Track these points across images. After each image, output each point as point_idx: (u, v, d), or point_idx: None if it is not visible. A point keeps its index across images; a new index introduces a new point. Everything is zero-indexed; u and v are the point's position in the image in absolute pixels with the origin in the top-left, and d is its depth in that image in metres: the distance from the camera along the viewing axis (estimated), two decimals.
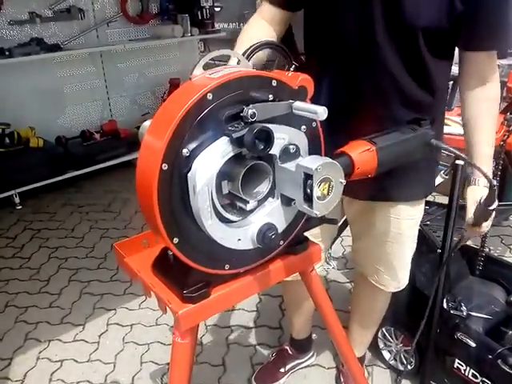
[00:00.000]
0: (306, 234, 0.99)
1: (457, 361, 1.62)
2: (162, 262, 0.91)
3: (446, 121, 1.48)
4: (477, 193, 1.22)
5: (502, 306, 1.76)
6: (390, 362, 1.95)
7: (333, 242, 1.70)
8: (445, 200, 1.65)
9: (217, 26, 4.86)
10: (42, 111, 3.89)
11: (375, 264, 1.52)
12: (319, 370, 2.00)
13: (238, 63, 0.82)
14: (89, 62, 4.13)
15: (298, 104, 0.78)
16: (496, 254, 2.67)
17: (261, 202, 0.84)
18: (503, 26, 1.13)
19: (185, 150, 0.71)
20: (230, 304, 0.96)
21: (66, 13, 3.80)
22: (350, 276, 2.55)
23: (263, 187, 0.82)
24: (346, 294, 2.42)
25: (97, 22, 4.04)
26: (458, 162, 1.59)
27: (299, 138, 0.82)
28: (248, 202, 0.80)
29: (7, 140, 3.53)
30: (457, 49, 1.20)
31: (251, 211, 0.83)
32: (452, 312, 1.64)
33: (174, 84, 4.30)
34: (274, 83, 0.79)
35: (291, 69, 0.97)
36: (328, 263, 2.59)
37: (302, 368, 2.00)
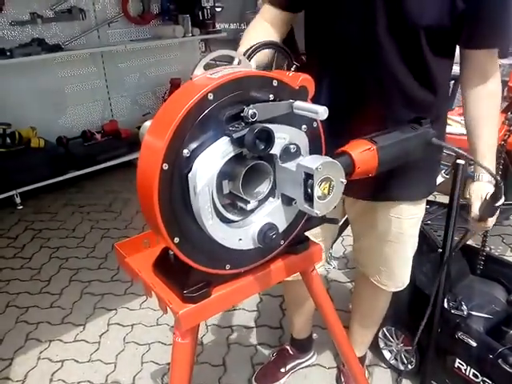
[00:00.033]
0: (306, 233, 0.99)
1: (458, 360, 1.62)
2: (163, 262, 0.91)
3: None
4: (481, 188, 1.22)
5: (502, 305, 1.76)
6: (391, 362, 1.95)
7: (334, 242, 1.70)
8: (445, 199, 1.65)
9: (218, 26, 4.86)
10: (43, 111, 3.89)
11: (377, 264, 1.52)
12: (320, 370, 2.00)
13: (238, 63, 0.82)
14: (90, 62, 4.13)
15: (298, 104, 0.78)
16: (497, 254, 2.67)
17: (261, 202, 0.84)
18: (504, 24, 1.13)
19: (185, 151, 0.71)
20: (231, 304, 0.96)
21: (67, 13, 3.81)
22: (351, 276, 2.55)
23: (264, 187, 0.82)
24: (347, 294, 2.42)
25: (98, 23, 4.05)
26: (458, 161, 1.59)
27: (300, 137, 0.82)
28: (249, 202, 0.80)
29: (8, 140, 3.54)
30: (458, 47, 1.20)
31: (252, 211, 0.83)
32: (453, 311, 1.64)
33: (175, 84, 4.30)
34: (275, 83, 0.79)
35: (292, 69, 0.97)
36: (329, 263, 2.59)
37: (302, 368, 2.00)
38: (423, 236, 1.57)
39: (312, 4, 1.23)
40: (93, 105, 4.28)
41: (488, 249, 2.02)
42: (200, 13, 4.35)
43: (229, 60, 0.82)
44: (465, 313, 1.64)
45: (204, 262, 0.81)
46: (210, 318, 1.82)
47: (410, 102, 1.20)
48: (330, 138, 0.90)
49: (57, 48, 3.65)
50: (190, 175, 0.72)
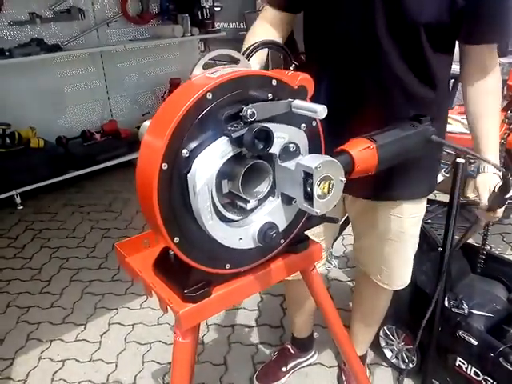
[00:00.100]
0: (308, 233, 0.99)
1: (459, 359, 1.62)
2: (163, 262, 0.91)
3: None
4: (487, 179, 1.22)
5: (503, 303, 1.76)
6: (392, 361, 1.94)
7: (334, 241, 1.70)
8: (446, 198, 1.65)
9: (217, 25, 4.86)
10: (42, 111, 3.89)
11: (378, 263, 1.52)
12: (321, 369, 2.00)
13: (237, 63, 0.82)
14: (89, 62, 4.13)
15: (297, 103, 0.78)
16: (497, 252, 2.67)
17: (261, 201, 0.84)
18: (504, 19, 1.13)
19: (184, 151, 0.71)
20: (231, 303, 0.96)
21: (66, 13, 3.80)
22: (351, 275, 2.56)
23: (263, 186, 0.82)
24: (348, 293, 2.42)
25: (97, 23, 4.04)
26: (458, 160, 1.59)
27: (299, 136, 0.82)
28: (248, 202, 0.80)
29: (8, 140, 3.54)
30: (457, 44, 1.21)
31: (252, 210, 0.83)
32: (453, 310, 1.64)
33: (175, 84, 4.30)
34: (274, 82, 0.79)
35: (291, 68, 0.97)
36: (329, 262, 2.59)
37: (303, 367, 2.00)
38: (423, 235, 1.57)
39: (311, 4, 1.23)
40: (92, 105, 4.27)
41: (488, 247, 2.02)
42: (199, 12, 4.35)
43: (228, 59, 0.82)
44: (465, 311, 1.63)
45: (204, 261, 0.81)
46: (210, 317, 1.82)
47: (411, 99, 1.20)
48: (330, 137, 0.90)
49: (56, 48, 3.65)
50: (189, 175, 0.72)
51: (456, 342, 1.60)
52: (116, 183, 3.96)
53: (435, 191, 1.50)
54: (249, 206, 0.81)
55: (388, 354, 1.96)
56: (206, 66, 0.79)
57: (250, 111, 0.72)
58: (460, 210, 1.52)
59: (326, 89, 1.15)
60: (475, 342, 1.55)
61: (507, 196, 1.14)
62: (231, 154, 0.74)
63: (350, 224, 1.60)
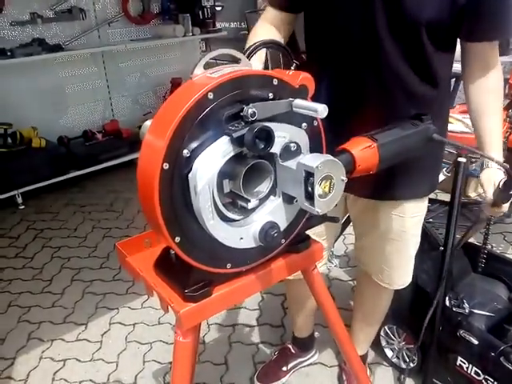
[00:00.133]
0: (310, 233, 0.99)
1: (459, 358, 1.62)
2: (164, 262, 0.91)
3: None
4: (491, 174, 1.22)
5: (504, 303, 1.75)
6: (393, 360, 1.94)
7: (335, 240, 1.70)
8: (447, 197, 1.65)
9: (218, 25, 4.86)
10: (44, 111, 3.90)
11: (379, 262, 1.51)
12: (321, 369, 2.00)
13: (238, 62, 0.82)
14: (90, 62, 4.14)
15: (297, 102, 0.78)
16: (498, 251, 2.66)
17: (262, 201, 0.84)
18: (505, 16, 1.13)
19: (185, 151, 0.71)
20: (232, 303, 0.96)
21: (68, 13, 3.81)
22: (353, 274, 2.55)
23: (264, 186, 0.82)
24: (349, 292, 2.42)
25: (98, 23, 4.05)
26: (460, 159, 1.59)
27: (300, 135, 0.82)
28: (249, 201, 0.80)
29: (9, 140, 3.54)
30: (458, 42, 1.21)
31: (253, 210, 0.83)
32: (454, 310, 1.64)
33: (176, 83, 4.30)
34: (275, 82, 0.79)
35: (292, 67, 0.97)
36: (330, 261, 2.59)
37: (304, 366, 2.00)
38: (425, 234, 1.57)
39: (311, 5, 1.23)
40: (94, 104, 4.28)
41: (489, 247, 2.02)
42: (200, 12, 4.35)
43: (229, 59, 0.82)
44: (466, 311, 1.63)
45: (205, 260, 0.81)
46: (211, 316, 1.82)
47: (412, 98, 1.20)
48: (331, 137, 0.90)
49: (57, 48, 3.66)
50: (190, 175, 0.72)
51: (457, 342, 1.60)
52: (117, 183, 3.97)
53: (436, 190, 1.50)
54: (250, 206, 0.81)
55: (389, 353, 1.96)
56: (207, 66, 0.79)
57: (250, 111, 0.72)
58: (461, 209, 1.52)
59: (327, 88, 1.15)
60: (476, 342, 1.55)
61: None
62: (232, 154, 0.74)
63: (351, 223, 1.60)
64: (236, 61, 0.82)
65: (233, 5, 6.05)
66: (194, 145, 0.72)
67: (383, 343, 1.96)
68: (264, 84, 0.77)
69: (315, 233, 1.04)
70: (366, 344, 1.86)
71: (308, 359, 2.00)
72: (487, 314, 1.69)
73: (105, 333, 2.28)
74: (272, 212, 0.84)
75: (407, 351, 1.86)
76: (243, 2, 6.17)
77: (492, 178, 1.21)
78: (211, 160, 0.72)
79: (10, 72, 3.57)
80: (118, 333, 2.27)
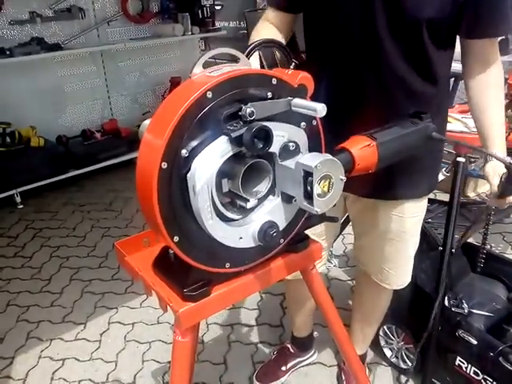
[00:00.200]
0: (309, 233, 0.99)
1: (458, 358, 1.62)
2: (163, 261, 0.91)
3: None
4: (495, 166, 1.22)
5: (503, 303, 1.76)
6: (392, 360, 1.94)
7: (334, 240, 1.70)
8: (446, 197, 1.65)
9: (217, 24, 4.86)
10: (42, 110, 3.90)
11: (378, 262, 1.51)
12: (320, 368, 2.00)
13: (237, 62, 0.82)
14: (89, 61, 4.13)
15: (296, 101, 0.78)
16: (497, 251, 2.67)
17: (261, 200, 0.83)
18: (505, 13, 1.13)
19: (183, 151, 0.71)
20: (231, 302, 0.95)
21: (67, 12, 3.81)
22: (352, 274, 2.55)
23: (263, 185, 0.82)
24: (348, 292, 2.42)
25: (97, 22, 4.04)
26: (459, 159, 1.59)
27: (299, 135, 0.81)
28: (248, 201, 0.80)
29: (8, 139, 3.54)
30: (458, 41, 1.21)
31: (252, 209, 0.83)
32: (453, 310, 1.64)
33: (175, 83, 4.31)
34: (274, 81, 0.78)
35: (291, 67, 0.97)
36: (329, 261, 2.59)
37: (303, 366, 2.00)
38: (424, 234, 1.57)
39: (311, 5, 1.23)
40: (92, 104, 4.28)
41: (488, 247, 2.02)
42: (199, 11, 4.35)
43: (228, 58, 0.82)
44: (465, 311, 1.63)
45: (204, 260, 0.81)
46: (210, 316, 1.82)
47: (412, 97, 1.20)
48: (330, 137, 0.90)
49: (56, 47, 3.66)
50: (188, 175, 0.72)
51: (456, 342, 1.60)
52: (116, 182, 3.96)
53: (435, 190, 1.50)
54: (249, 205, 0.81)
55: (388, 353, 1.96)
56: (206, 65, 0.79)
57: (249, 110, 0.72)
58: (460, 209, 1.52)
59: (327, 88, 1.14)
60: (475, 342, 1.55)
61: None
62: (231, 154, 0.74)
63: (351, 223, 1.60)
64: (235, 60, 0.82)
65: (232, 4, 6.05)
66: (192, 144, 0.71)
67: (382, 343, 1.96)
68: (263, 83, 0.77)
69: (315, 233, 1.04)
70: (365, 344, 1.86)
71: (307, 359, 2.00)
72: (486, 314, 1.69)
73: (104, 332, 2.28)
74: (271, 211, 0.84)
75: (406, 351, 1.86)
76: (243, 1, 6.18)
77: (496, 169, 1.21)
78: (210, 160, 0.72)
79: (8, 71, 3.57)
80: (117, 332, 2.27)
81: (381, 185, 1.29)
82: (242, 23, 6.26)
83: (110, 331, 2.28)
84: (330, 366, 2.00)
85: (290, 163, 0.78)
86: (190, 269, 0.81)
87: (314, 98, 0.83)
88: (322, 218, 0.98)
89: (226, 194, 0.78)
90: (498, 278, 1.86)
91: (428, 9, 1.08)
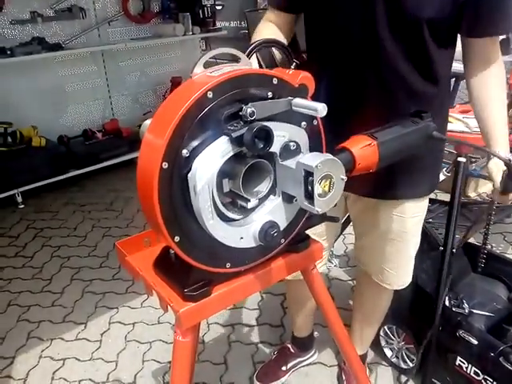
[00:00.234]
0: (310, 233, 0.99)
1: (459, 358, 1.62)
2: (164, 261, 0.91)
3: None
4: (498, 163, 1.22)
5: (504, 303, 1.76)
6: (392, 360, 1.94)
7: (335, 240, 1.70)
8: (447, 197, 1.65)
9: (218, 24, 4.86)
10: (43, 110, 3.90)
11: (379, 262, 1.51)
12: (321, 368, 2.00)
13: (238, 61, 0.82)
14: (90, 61, 4.13)
15: (297, 101, 0.78)
16: (498, 251, 2.66)
17: (262, 200, 0.83)
18: (505, 12, 1.13)
19: (184, 151, 0.71)
20: (232, 302, 0.95)
21: (68, 12, 3.81)
22: (352, 274, 2.55)
23: (264, 185, 0.82)
24: (348, 292, 2.42)
25: (98, 21, 4.05)
26: (459, 159, 1.59)
27: (299, 135, 0.81)
28: (249, 201, 0.80)
29: (9, 139, 3.54)
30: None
31: (253, 209, 0.83)
32: (454, 310, 1.64)
33: (176, 83, 4.31)
34: (275, 81, 0.78)
35: (292, 67, 0.97)
36: (330, 261, 2.59)
37: (303, 366, 2.00)
38: (424, 234, 1.57)
39: (311, 5, 1.23)
40: (94, 103, 4.28)
41: (489, 247, 2.02)
42: (200, 11, 4.35)
43: (229, 58, 0.82)
44: (466, 311, 1.63)
45: (204, 260, 0.81)
46: (210, 316, 1.82)
47: (413, 96, 1.20)
48: (331, 137, 0.89)
49: (57, 47, 3.66)
50: (189, 175, 0.72)
51: (456, 342, 1.60)
52: (117, 182, 3.97)
53: (436, 190, 1.50)
54: (250, 205, 0.81)
55: (388, 353, 1.96)
56: (206, 65, 0.79)
57: (249, 110, 0.72)
58: (461, 209, 1.52)
59: (327, 88, 1.14)
60: (475, 342, 1.55)
61: None
62: (231, 154, 0.74)
63: (351, 223, 1.60)
64: (236, 60, 0.82)
65: (233, 4, 6.05)
66: (193, 144, 0.71)
67: (383, 343, 1.96)
68: (264, 83, 0.77)
69: (315, 233, 1.04)
70: (365, 344, 1.86)
71: (307, 359, 2.00)
72: (487, 314, 1.69)
73: (104, 332, 2.28)
74: (272, 211, 0.84)
75: (406, 351, 1.86)
76: (243, 1, 6.17)
77: (500, 166, 1.21)
78: (210, 160, 0.72)
79: (9, 71, 3.57)
80: (118, 332, 2.27)
81: (382, 184, 1.29)
82: (242, 23, 6.26)
83: (110, 331, 2.28)
84: (330, 366, 2.00)
85: (290, 163, 0.78)
86: (190, 269, 0.81)
87: (314, 98, 0.83)
88: (323, 217, 0.98)
89: (227, 193, 0.78)
90: (498, 278, 1.86)
91: (428, 9, 1.08)
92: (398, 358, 1.92)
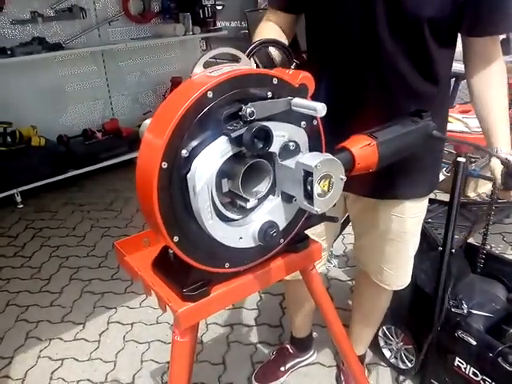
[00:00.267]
0: (309, 233, 0.99)
1: (457, 359, 1.62)
2: (163, 261, 0.91)
3: None
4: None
5: (503, 303, 1.75)
6: (391, 361, 1.94)
7: (334, 240, 1.70)
8: (446, 197, 1.65)
9: (218, 24, 4.87)
10: (43, 110, 3.90)
11: (379, 263, 1.51)
12: (320, 369, 2.00)
13: (238, 61, 0.82)
14: (90, 60, 4.13)
15: (296, 101, 0.78)
16: (497, 252, 2.67)
17: (261, 200, 0.83)
18: (505, 10, 1.13)
19: (184, 151, 0.71)
20: (230, 302, 0.95)
21: (68, 12, 3.81)
22: (351, 274, 2.55)
23: (263, 185, 0.82)
24: (347, 292, 2.42)
25: (98, 21, 4.05)
26: (459, 159, 1.59)
27: (299, 134, 0.81)
28: (248, 200, 0.80)
29: (9, 139, 3.54)
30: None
31: (252, 209, 0.83)
32: (453, 310, 1.64)
33: (176, 83, 4.31)
34: (275, 81, 0.78)
35: (292, 67, 0.97)
36: (329, 261, 2.59)
37: (302, 366, 2.00)
38: (424, 234, 1.57)
39: (311, 5, 1.23)
40: (93, 103, 4.28)
41: (488, 247, 2.01)
42: (201, 11, 4.35)
43: (229, 58, 0.82)
44: (465, 311, 1.64)
45: (203, 260, 0.81)
46: (209, 316, 1.82)
47: (413, 96, 1.20)
48: (331, 137, 0.89)
49: (57, 47, 3.66)
50: (188, 175, 0.72)
51: (455, 342, 1.60)
52: (117, 182, 3.96)
53: (436, 190, 1.50)
54: (249, 205, 0.80)
55: (387, 353, 1.96)
56: (206, 65, 0.79)
57: (249, 110, 0.71)
58: (460, 209, 1.51)
59: (327, 88, 1.14)
60: (474, 342, 1.55)
61: None
62: (231, 154, 0.74)
63: (351, 223, 1.60)
64: (236, 60, 0.82)
65: (233, 4, 6.06)
66: (192, 144, 0.71)
67: (381, 343, 1.96)
68: (263, 83, 0.77)
69: (315, 233, 1.04)
70: (364, 344, 1.86)
71: (306, 359, 2.00)
72: (486, 314, 1.69)
73: (103, 332, 2.27)
74: (271, 211, 0.84)
75: (405, 351, 1.86)
76: (244, 1, 6.18)
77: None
78: (210, 160, 0.72)
79: (9, 71, 3.57)
80: (116, 332, 2.27)
81: (381, 184, 1.29)
82: (243, 23, 6.26)
83: (109, 331, 2.28)
84: (329, 367, 2.00)
85: (290, 163, 0.78)
86: (189, 269, 0.81)
87: (314, 98, 0.83)
88: (322, 217, 0.98)
89: (226, 194, 0.78)
90: (497, 278, 1.86)
91: (428, 8, 1.08)
92: (396, 358, 1.92)
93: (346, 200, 1.48)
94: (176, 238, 0.75)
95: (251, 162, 0.76)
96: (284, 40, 1.25)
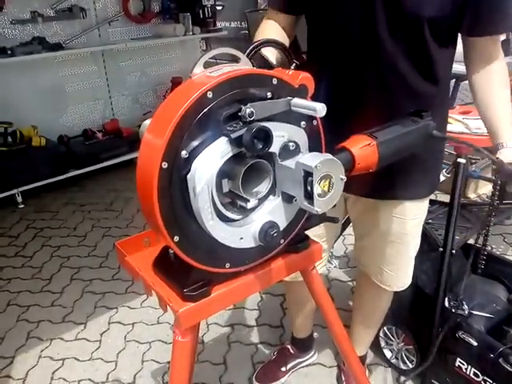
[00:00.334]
0: (310, 235, 0.99)
1: (458, 360, 1.62)
2: (163, 261, 0.91)
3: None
4: (507, 154, 1.20)
5: (503, 304, 1.75)
6: (392, 361, 1.94)
7: (335, 241, 1.70)
8: (446, 198, 1.65)
9: (218, 24, 4.87)
10: (44, 110, 3.90)
11: (379, 264, 1.51)
12: (320, 369, 2.00)
13: (238, 62, 0.82)
14: (90, 61, 4.13)
15: (296, 101, 0.78)
16: (498, 253, 2.66)
17: (262, 200, 0.83)
18: (506, 10, 1.13)
19: (183, 152, 0.71)
20: (231, 302, 0.95)
21: (68, 12, 3.82)
22: (352, 275, 2.55)
23: (264, 185, 0.82)
24: (348, 293, 2.42)
25: (98, 21, 4.05)
26: (459, 160, 1.59)
27: (299, 135, 0.81)
28: (249, 201, 0.80)
29: (10, 139, 3.54)
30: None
31: (252, 209, 0.83)
32: (454, 311, 1.63)
33: (176, 83, 4.31)
34: (275, 81, 0.78)
35: (292, 67, 0.97)
36: (330, 262, 2.59)
37: (303, 367, 1.99)
38: (424, 235, 1.57)
39: (311, 5, 1.23)
40: (94, 103, 4.28)
41: (489, 248, 2.01)
42: (201, 11, 4.36)
43: (229, 58, 0.82)
44: (466, 312, 1.63)
45: (204, 260, 0.81)
46: (210, 316, 1.82)
47: (413, 96, 1.20)
48: (331, 137, 0.89)
49: (58, 47, 3.66)
50: (188, 176, 0.72)
51: (456, 343, 1.60)
52: (117, 182, 3.97)
53: (436, 191, 1.50)
54: (249, 206, 0.80)
55: (388, 354, 1.96)
56: (206, 65, 0.79)
57: (248, 111, 0.71)
58: (461, 210, 1.51)
59: (327, 88, 1.14)
60: (475, 343, 1.55)
61: None
62: (231, 154, 0.74)
63: (351, 224, 1.60)
64: (236, 60, 0.82)
65: (233, 4, 6.06)
66: (192, 145, 0.71)
67: (382, 344, 1.96)
68: (263, 83, 0.77)
69: (315, 234, 1.04)
70: (365, 345, 1.86)
71: (307, 360, 2.00)
72: (486, 315, 1.69)
73: (104, 332, 2.28)
74: (271, 212, 0.84)
75: (406, 352, 1.86)
76: (244, 1, 6.18)
77: (509, 156, 1.20)
78: (210, 161, 0.72)
79: (10, 71, 3.57)
80: (117, 332, 2.27)
81: (381, 185, 1.29)
82: (243, 23, 6.26)
83: (110, 331, 2.28)
84: (329, 367, 2.00)
85: (290, 163, 0.78)
86: (190, 269, 0.81)
87: (314, 98, 0.83)
88: (323, 218, 0.98)
89: (227, 194, 0.78)
90: (498, 279, 1.86)
91: (428, 8, 1.08)
92: (397, 358, 1.92)
93: (347, 201, 1.48)
94: (176, 238, 0.75)
95: (251, 162, 0.76)
96: (285, 40, 1.25)
